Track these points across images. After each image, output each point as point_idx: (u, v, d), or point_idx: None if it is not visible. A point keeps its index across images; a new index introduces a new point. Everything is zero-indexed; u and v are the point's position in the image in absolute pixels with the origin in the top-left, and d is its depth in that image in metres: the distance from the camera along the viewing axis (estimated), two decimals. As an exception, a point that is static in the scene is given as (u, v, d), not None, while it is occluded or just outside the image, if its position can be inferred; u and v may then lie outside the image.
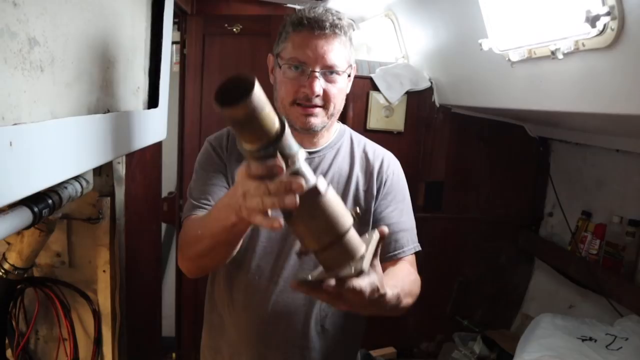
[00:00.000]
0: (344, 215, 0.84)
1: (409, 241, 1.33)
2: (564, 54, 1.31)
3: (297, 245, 0.97)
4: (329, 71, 1.20)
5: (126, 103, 1.48)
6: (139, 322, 1.97)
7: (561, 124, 2.14)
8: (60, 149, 0.99)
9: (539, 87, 1.56)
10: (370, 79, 2.37)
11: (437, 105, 2.47)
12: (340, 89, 1.24)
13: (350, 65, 1.27)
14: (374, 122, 2.37)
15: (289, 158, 0.77)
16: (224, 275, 1.37)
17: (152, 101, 1.70)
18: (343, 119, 2.38)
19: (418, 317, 2.65)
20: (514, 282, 2.69)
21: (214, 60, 2.94)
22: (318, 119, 1.24)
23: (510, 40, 1.56)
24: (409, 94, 2.40)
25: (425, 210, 2.54)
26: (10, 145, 0.76)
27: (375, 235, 0.90)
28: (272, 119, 0.75)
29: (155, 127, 1.71)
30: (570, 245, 2.30)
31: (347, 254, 0.84)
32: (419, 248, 1.36)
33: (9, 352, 1.64)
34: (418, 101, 2.44)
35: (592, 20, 1.14)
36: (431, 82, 2.44)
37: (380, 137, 2.42)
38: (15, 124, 0.80)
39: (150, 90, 1.69)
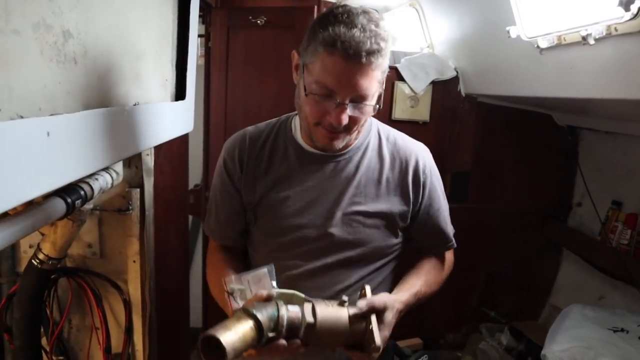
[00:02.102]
0: (340, 318, 0.99)
1: (450, 235, 1.38)
2: (596, 40, 1.28)
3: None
4: (358, 101, 1.09)
5: (154, 95, 1.50)
6: (168, 312, 2.00)
7: (591, 112, 2.10)
8: (92, 140, 1.00)
9: (569, 74, 1.53)
10: (396, 69, 2.35)
11: (463, 94, 2.44)
12: (368, 113, 1.15)
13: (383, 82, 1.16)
14: (399, 113, 2.36)
15: (278, 328, 0.94)
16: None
17: (180, 93, 1.72)
18: (368, 109, 2.38)
19: (444, 308, 2.64)
20: (541, 273, 2.65)
21: (238, 52, 2.94)
22: (341, 141, 1.18)
23: (539, 26, 1.53)
24: (435, 84, 2.39)
25: (450, 201, 2.51)
26: (48, 135, 0.77)
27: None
28: (250, 343, 0.90)
29: (182, 119, 1.73)
30: (600, 236, 2.26)
31: (362, 336, 1.01)
32: (454, 239, 1.41)
33: (43, 341, 1.68)
34: (443, 91, 2.42)
35: (626, 4, 1.11)
36: (457, 72, 2.41)
37: (406, 127, 2.39)
38: (52, 115, 0.82)
39: (177, 83, 1.71)
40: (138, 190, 1.65)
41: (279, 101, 2.92)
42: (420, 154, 1.31)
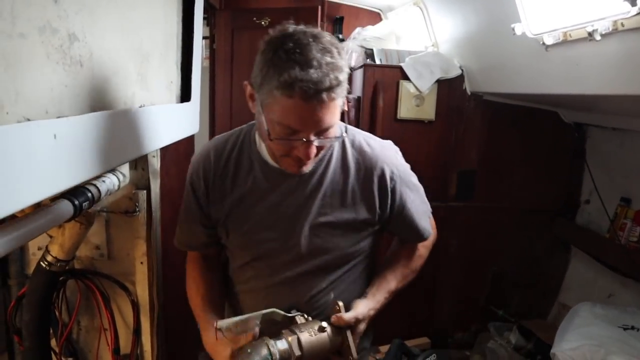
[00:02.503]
0: (323, 343, 1.12)
1: (426, 228, 1.38)
2: (602, 35, 1.28)
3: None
4: (323, 132, 1.08)
5: (160, 97, 1.51)
6: (176, 313, 2.00)
7: (597, 109, 2.09)
8: (99, 142, 1.01)
9: (575, 70, 1.52)
10: (400, 68, 2.35)
11: (469, 93, 2.44)
12: (334, 137, 1.13)
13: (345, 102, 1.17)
14: (404, 112, 2.36)
15: None
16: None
17: (185, 95, 1.73)
18: (373, 109, 2.38)
19: (452, 307, 2.64)
20: (549, 271, 2.64)
21: (243, 54, 2.95)
22: (309, 166, 1.17)
23: (545, 23, 1.53)
24: (440, 82, 2.38)
25: (457, 200, 2.52)
26: (55, 137, 0.78)
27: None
28: None
29: (188, 120, 1.73)
30: (608, 233, 2.25)
31: (340, 346, 1.15)
32: (433, 228, 1.44)
33: (53, 342, 1.69)
34: (449, 89, 2.41)
35: (632, -1, 1.11)
36: (462, 70, 2.40)
37: (411, 126, 2.41)
38: (58, 117, 0.82)
39: (182, 84, 1.72)
40: (145, 192, 1.66)
41: (284, 102, 2.92)
42: (386, 160, 1.28)
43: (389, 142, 1.35)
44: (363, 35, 2.64)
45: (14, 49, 0.72)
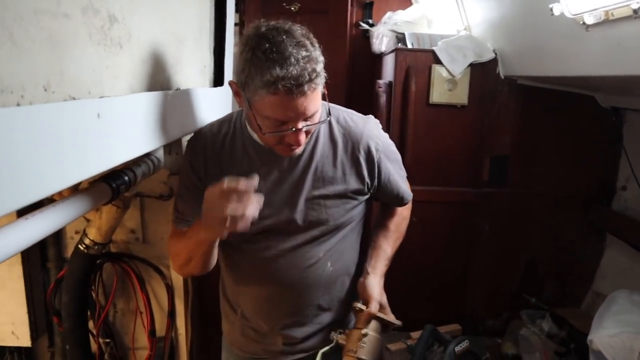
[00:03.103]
0: (377, 341, 1.25)
1: (406, 192, 1.49)
2: (648, 13, 1.23)
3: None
4: (309, 119, 1.16)
5: (194, 81, 1.52)
6: (209, 297, 2.03)
7: (637, 91, 2.02)
8: (138, 123, 1.02)
9: (617, 50, 1.47)
10: (433, 52, 2.31)
11: (502, 77, 2.38)
12: (319, 119, 1.22)
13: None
14: (436, 96, 2.32)
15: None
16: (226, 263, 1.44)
17: (218, 80, 1.73)
18: (405, 94, 2.35)
19: (483, 294, 2.61)
20: (584, 258, 2.58)
21: (272, 40, 2.94)
22: (301, 148, 1.24)
23: (585, 2, 1.48)
24: (473, 66, 2.33)
25: (489, 186, 2.48)
26: (98, 117, 0.79)
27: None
28: None
29: (220, 105, 1.74)
30: (647, 220, 2.19)
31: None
32: (410, 194, 1.52)
33: (90, 324, 1.73)
34: (482, 73, 2.36)
35: (683, -28, 1.06)
36: (495, 53, 2.35)
37: (444, 111, 2.37)
38: (101, 97, 0.83)
39: (215, 69, 1.72)
40: (178, 176, 1.67)
41: (313, 88, 2.91)
42: (370, 134, 1.36)
43: (370, 117, 1.42)
44: (394, 20, 2.60)
45: (59, 28, 0.72)
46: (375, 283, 1.34)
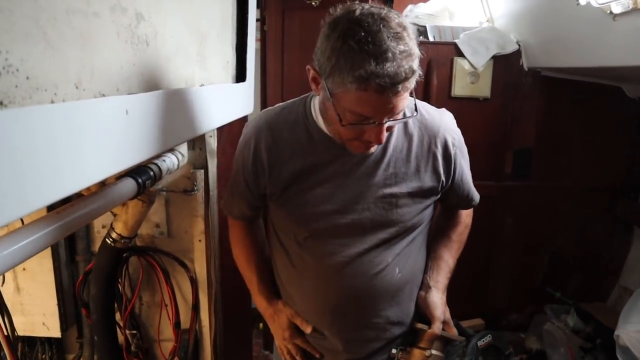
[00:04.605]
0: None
1: (475, 193, 1.42)
2: (678, 1, 1.21)
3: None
4: (395, 116, 1.06)
5: (217, 77, 1.53)
6: (232, 290, 2.05)
7: (666, 82, 1.99)
8: (165, 119, 1.03)
9: (645, 40, 1.45)
10: (455, 44, 2.29)
11: (526, 68, 2.36)
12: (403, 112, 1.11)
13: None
14: (459, 89, 2.31)
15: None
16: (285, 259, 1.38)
17: (240, 75, 1.74)
18: (427, 87, 2.34)
19: (507, 288, 2.59)
20: (610, 253, 2.55)
21: (294, 35, 2.95)
22: (376, 146, 1.17)
23: (612, -9, 1.45)
24: (495, 59, 2.31)
25: (513, 179, 2.46)
26: (127, 113, 0.80)
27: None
28: None
29: (243, 100, 1.75)
30: (675, 213, 2.15)
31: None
32: (478, 196, 1.44)
33: (117, 316, 1.76)
34: (505, 65, 2.34)
35: None
36: (519, 45, 2.33)
37: (466, 104, 2.36)
38: (129, 94, 0.84)
39: (237, 65, 1.73)
40: (202, 171, 1.69)
41: (334, 82, 2.90)
42: (447, 127, 1.27)
43: (444, 109, 1.33)
44: (415, 13, 2.59)
45: (90, 27, 0.74)
46: (438, 299, 1.28)
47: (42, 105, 0.61)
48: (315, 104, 1.23)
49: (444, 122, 1.27)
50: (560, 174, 2.48)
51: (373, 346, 1.31)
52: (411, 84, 1.01)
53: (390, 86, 0.96)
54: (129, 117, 0.81)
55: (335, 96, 1.04)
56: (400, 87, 0.97)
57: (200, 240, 1.74)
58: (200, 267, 1.77)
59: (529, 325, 2.55)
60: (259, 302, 1.41)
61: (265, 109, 1.33)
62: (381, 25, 0.97)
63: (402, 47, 0.97)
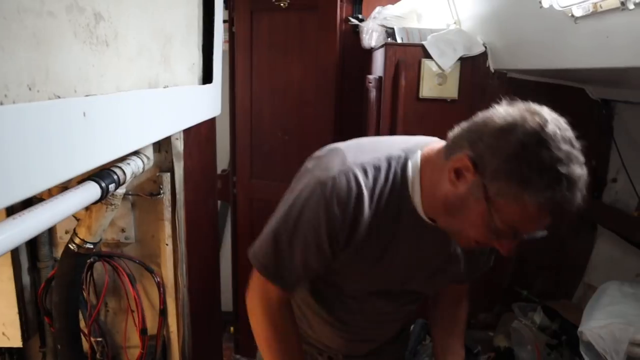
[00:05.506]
0: None
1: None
2: (635, 4, 1.23)
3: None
4: None
5: (183, 79, 1.51)
6: (200, 295, 2.03)
7: (627, 83, 2.03)
8: (126, 122, 1.01)
9: (606, 43, 1.47)
10: (422, 46, 2.31)
11: (492, 70, 2.38)
12: None
13: None
14: (426, 91, 2.32)
15: None
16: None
17: (207, 77, 1.72)
18: (395, 88, 2.35)
19: (475, 288, 2.61)
20: (575, 251, 2.60)
21: (262, 36, 2.93)
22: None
23: (573, -5, 1.48)
24: (463, 60, 2.33)
25: (480, 180, 2.49)
26: (84, 115, 0.78)
27: None
28: None
29: (210, 102, 1.73)
30: (637, 211, 2.20)
31: None
32: None
33: (82, 324, 1.72)
34: (472, 67, 2.36)
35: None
36: (485, 47, 2.36)
37: (434, 105, 2.37)
38: (87, 95, 0.82)
39: (204, 66, 1.71)
40: (168, 174, 1.67)
41: (304, 84, 2.91)
42: None
43: None
44: (383, 15, 2.60)
45: (44, 27, 0.72)
46: None
47: (-9, 107, 0.59)
48: (415, 181, 1.09)
49: None
50: (527, 174, 2.52)
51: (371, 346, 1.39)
52: None
53: (566, 212, 0.92)
54: (87, 119, 0.79)
55: (495, 203, 0.94)
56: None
57: (167, 245, 1.72)
58: (167, 272, 1.75)
59: (497, 323, 2.58)
60: None
61: (352, 162, 1.06)
62: (571, 147, 0.94)
63: (585, 174, 0.95)
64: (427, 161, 1.09)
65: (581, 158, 0.94)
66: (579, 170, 0.92)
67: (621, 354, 1.46)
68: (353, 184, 1.02)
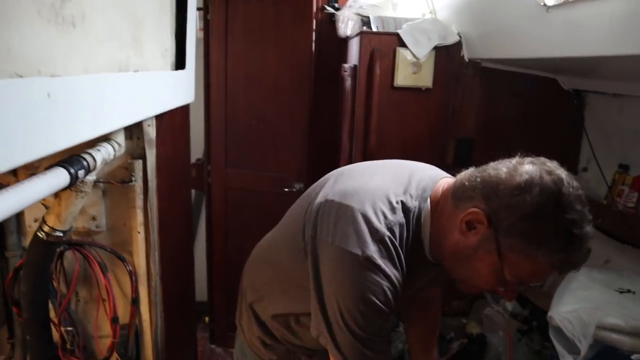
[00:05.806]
0: None
1: None
2: (606, -6, 1.25)
3: None
4: None
5: (155, 63, 1.48)
6: (174, 284, 2.01)
7: (597, 74, 2.07)
8: (94, 105, 0.99)
9: (577, 32, 1.49)
10: (397, 35, 2.31)
11: (467, 59, 2.40)
12: None
13: None
14: (401, 79, 2.33)
15: None
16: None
17: (180, 63, 1.70)
18: (370, 77, 2.35)
19: (448, 276, 2.65)
20: (546, 239, 2.65)
21: (237, 25, 2.90)
22: None
23: (546, -16, 1.50)
24: (437, 49, 2.35)
25: (455, 167, 2.50)
26: (48, 96, 0.76)
27: None
28: None
29: (183, 89, 1.71)
30: (606, 199, 2.25)
31: None
32: None
33: (52, 313, 1.69)
34: (447, 56, 2.38)
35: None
36: (460, 36, 2.37)
37: (408, 94, 2.38)
38: (52, 76, 0.80)
39: (177, 52, 1.69)
40: (140, 161, 1.64)
41: (279, 73, 2.89)
42: None
43: None
44: (359, 3, 2.59)
45: (4, 4, 0.69)
46: None
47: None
48: (426, 230, 1.12)
49: None
50: (500, 163, 2.55)
51: None
52: None
53: (573, 269, 0.99)
54: (52, 100, 0.77)
55: (507, 257, 0.97)
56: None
57: (139, 232, 1.69)
58: (139, 260, 1.72)
59: (470, 310, 2.62)
60: None
61: (388, 207, 1.09)
62: (584, 208, 0.95)
63: (592, 233, 0.96)
64: (436, 207, 1.13)
65: (590, 216, 0.96)
66: (590, 229, 0.95)
67: (589, 337, 1.49)
68: (390, 245, 1.04)
